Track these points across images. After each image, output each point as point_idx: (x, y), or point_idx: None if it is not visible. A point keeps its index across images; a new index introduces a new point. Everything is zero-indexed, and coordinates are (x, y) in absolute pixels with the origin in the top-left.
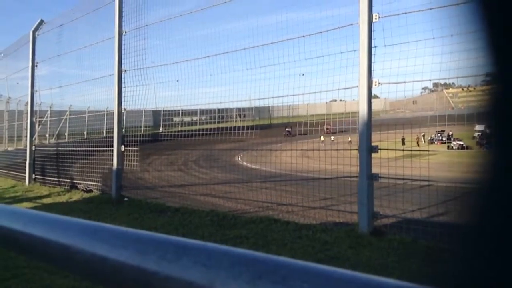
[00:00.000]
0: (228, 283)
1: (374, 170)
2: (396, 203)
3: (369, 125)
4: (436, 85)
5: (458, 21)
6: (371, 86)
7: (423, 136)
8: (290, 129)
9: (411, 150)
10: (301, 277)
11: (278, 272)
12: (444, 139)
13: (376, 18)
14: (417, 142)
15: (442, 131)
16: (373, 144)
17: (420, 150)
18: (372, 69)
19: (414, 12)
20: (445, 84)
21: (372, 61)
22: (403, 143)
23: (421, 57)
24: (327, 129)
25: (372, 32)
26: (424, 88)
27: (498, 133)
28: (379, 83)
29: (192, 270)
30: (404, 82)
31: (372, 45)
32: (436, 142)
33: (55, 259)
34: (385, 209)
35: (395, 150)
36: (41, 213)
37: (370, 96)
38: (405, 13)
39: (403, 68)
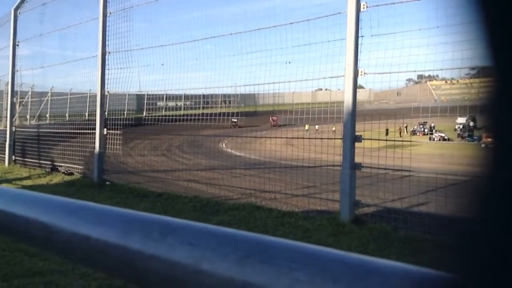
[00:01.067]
0: (216, 263)
1: (357, 159)
2: (377, 192)
3: (354, 115)
4: (420, 77)
5: (448, 12)
6: (357, 76)
7: (406, 127)
8: (236, 120)
9: (394, 141)
10: (289, 256)
11: (266, 251)
12: (426, 130)
13: (364, 8)
14: (400, 133)
15: (424, 122)
16: (356, 134)
17: (402, 141)
18: (358, 58)
19: (402, 2)
20: (429, 76)
21: (359, 50)
22: (387, 133)
23: (407, 48)
24: (273, 121)
25: (360, 22)
26: (409, 80)
27: (497, 127)
28: (364, 73)
29: (178, 250)
30: (390, 72)
31: (359, 35)
32: (418, 134)
33: (36, 238)
34: (366, 198)
35: (379, 140)
36: (22, 191)
37: (355, 86)
38: (393, 3)
39: (389, 59)
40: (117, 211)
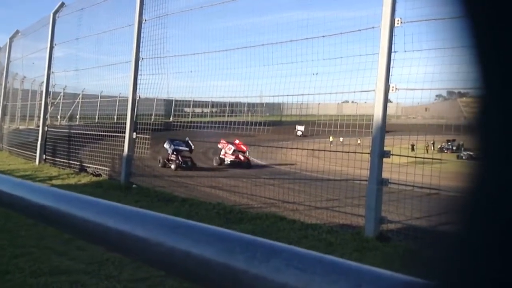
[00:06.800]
0: None
1: (383, 174)
2: (404, 209)
3: (383, 130)
4: (450, 93)
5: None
6: (388, 91)
7: (433, 143)
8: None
9: (424, 158)
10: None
11: (378, 281)
12: (454, 148)
13: (398, 23)
14: (427, 150)
15: (453, 140)
16: (385, 149)
17: (432, 159)
18: (390, 74)
19: (437, 19)
20: (459, 93)
21: (391, 66)
22: (413, 149)
23: (440, 65)
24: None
25: (393, 37)
26: (438, 96)
27: (484, 146)
28: (396, 89)
29: (285, 273)
30: (422, 89)
31: (392, 50)
32: (446, 151)
33: (133, 250)
34: (392, 214)
35: (407, 156)
36: (117, 205)
37: (386, 101)
38: (428, 20)
39: (422, 75)
40: (215, 229)
